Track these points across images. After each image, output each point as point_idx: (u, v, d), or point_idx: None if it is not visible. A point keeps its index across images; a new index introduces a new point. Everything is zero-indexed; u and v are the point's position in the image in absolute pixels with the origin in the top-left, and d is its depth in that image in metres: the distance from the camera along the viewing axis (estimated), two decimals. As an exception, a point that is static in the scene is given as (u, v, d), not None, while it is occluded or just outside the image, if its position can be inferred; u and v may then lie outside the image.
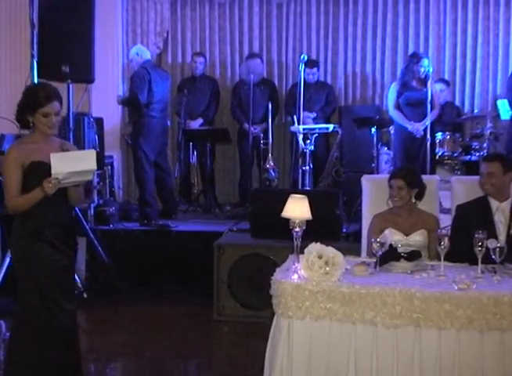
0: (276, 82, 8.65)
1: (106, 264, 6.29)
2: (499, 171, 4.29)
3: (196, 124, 8.18)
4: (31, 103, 3.59)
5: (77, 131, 6.54)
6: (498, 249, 3.52)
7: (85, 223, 6.39)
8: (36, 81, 6.01)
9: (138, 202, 7.39)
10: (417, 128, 6.84)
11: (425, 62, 6.89)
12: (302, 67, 7.23)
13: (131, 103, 7.33)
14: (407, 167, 4.63)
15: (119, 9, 8.67)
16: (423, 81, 6.85)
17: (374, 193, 4.79)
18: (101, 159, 7.20)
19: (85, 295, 6.01)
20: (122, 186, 8.53)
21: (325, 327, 3.36)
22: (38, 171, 3.53)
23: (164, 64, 8.79)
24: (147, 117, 7.10)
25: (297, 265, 3.46)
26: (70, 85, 6.26)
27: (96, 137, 6.92)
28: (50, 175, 3.46)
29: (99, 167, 7.02)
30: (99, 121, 7.34)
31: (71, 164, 3.48)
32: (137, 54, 7.35)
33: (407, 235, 4.31)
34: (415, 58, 6.98)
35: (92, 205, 6.87)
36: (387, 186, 4.48)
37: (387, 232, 4.29)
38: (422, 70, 6.86)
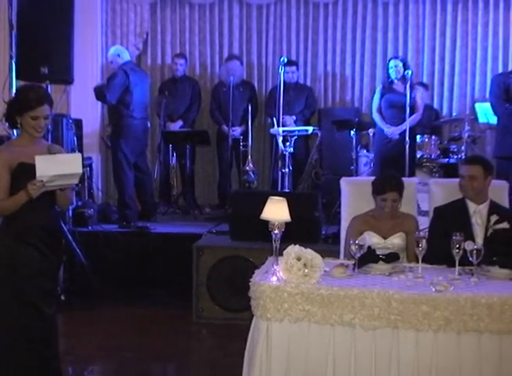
0: (256, 84, 8.66)
1: (84, 266, 6.25)
2: (481, 175, 4.31)
3: (176, 126, 8.16)
4: (21, 105, 3.56)
5: (56, 132, 6.49)
6: (475, 251, 3.55)
7: (63, 225, 6.34)
8: (14, 82, 5.97)
9: (117, 204, 7.37)
10: (392, 131, 6.90)
11: (391, 63, 6.98)
12: (282, 69, 7.25)
13: (96, 96, 7.29)
14: (395, 176, 4.50)
15: (98, 10, 8.62)
16: (405, 84, 6.90)
17: (353, 196, 4.81)
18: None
19: (63, 297, 5.96)
20: (101, 188, 8.49)
21: (303, 329, 3.36)
22: (25, 174, 3.48)
23: (143, 66, 8.77)
24: (127, 119, 7.08)
25: (275, 267, 3.46)
26: (49, 86, 6.21)
27: (75, 138, 6.89)
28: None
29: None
30: (78, 123, 7.31)
31: (56, 167, 3.44)
32: (117, 55, 7.31)
33: (386, 238, 4.33)
34: (388, 61, 7.12)
35: (71, 207, 6.82)
36: (365, 189, 4.49)
37: (365, 235, 4.31)
38: (391, 71, 6.94)
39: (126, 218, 7.05)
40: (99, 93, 7.16)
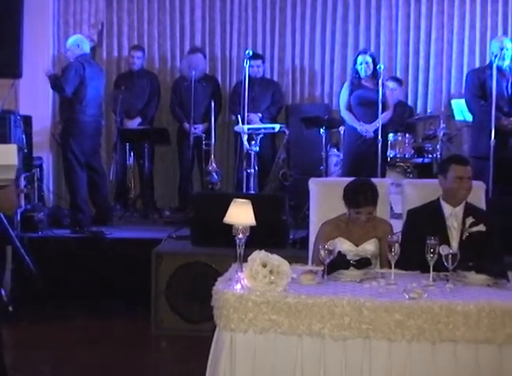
0: (219, 79, 8.65)
1: (33, 274, 6.17)
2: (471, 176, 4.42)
3: (133, 123, 8.13)
4: None
5: (3, 130, 6.43)
6: (450, 256, 3.59)
7: (11, 230, 6.26)
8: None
9: (70, 207, 7.30)
10: (366, 129, 6.95)
11: (359, 59, 7.04)
12: (247, 63, 7.26)
13: (54, 86, 7.22)
14: (370, 186, 4.40)
15: (50, -3, 8.55)
16: (375, 80, 6.96)
17: (323, 198, 4.82)
18: (29, 160, 7.10)
19: (11, 309, 5.87)
20: (52, 190, 8.41)
21: (269, 340, 3.36)
22: None
23: (98, 59, 8.68)
24: (79, 115, 7.03)
25: (240, 274, 3.46)
26: (-5, 80, 6.15)
27: (24, 136, 6.82)
28: None
29: (27, 169, 6.97)
30: (27, 120, 7.23)
31: None
32: (77, 45, 7.25)
33: (358, 245, 4.34)
34: (355, 56, 7.17)
35: (19, 210, 6.75)
36: (336, 190, 4.50)
37: (336, 241, 4.30)
38: (359, 68, 7.00)
39: (79, 222, 6.99)
40: (56, 83, 7.09)
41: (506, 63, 6.82)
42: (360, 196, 4.31)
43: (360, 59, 7.06)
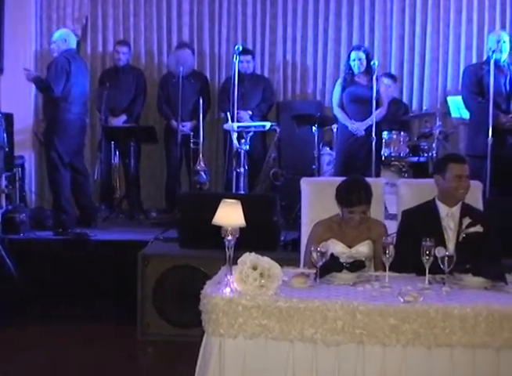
0: (208, 75, 8.65)
1: (15, 278, 6.16)
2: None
3: (118, 121, 8.12)
4: None
5: (-18, 128, 6.41)
6: (446, 258, 3.59)
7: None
8: None
9: (53, 208, 7.28)
10: (357, 127, 6.96)
11: (353, 55, 7.05)
12: (236, 59, 7.25)
13: (41, 88, 7.21)
14: (363, 185, 4.41)
15: (32, -9, 8.53)
16: (369, 76, 6.97)
17: (315, 198, 4.82)
18: (10, 160, 7.08)
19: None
20: (35, 190, 8.39)
21: (260, 346, 3.36)
22: None
23: (82, 54, 8.64)
24: (64, 113, 7.01)
25: (229, 277, 3.46)
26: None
27: (5, 135, 6.81)
28: None
29: (7, 168, 6.95)
30: (9, 117, 7.21)
31: None
32: (64, 40, 7.21)
33: (351, 246, 4.35)
34: (349, 52, 7.19)
35: (0, 211, 6.73)
36: (328, 190, 4.51)
37: (329, 243, 4.31)
38: (352, 64, 7.01)
39: (62, 223, 6.97)
40: (44, 85, 7.07)
41: (504, 56, 6.83)
42: (353, 195, 4.32)
43: (353, 55, 7.07)
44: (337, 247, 4.29)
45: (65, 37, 7.27)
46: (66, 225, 6.96)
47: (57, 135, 7.03)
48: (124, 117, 8.15)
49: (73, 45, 7.31)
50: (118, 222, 7.76)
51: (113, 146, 8.11)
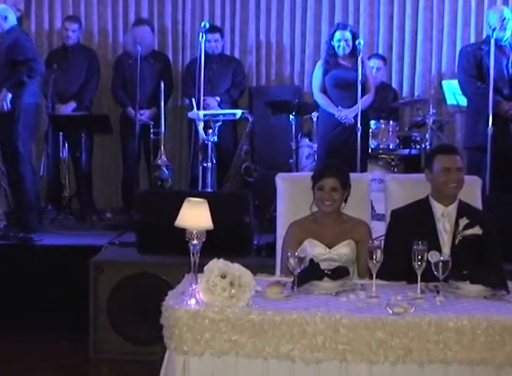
0: (170, 56, 8.67)
1: None
2: (463, 167, 4.45)
3: (67, 108, 8.09)
4: None
5: None
6: (441, 263, 3.61)
7: None
8: None
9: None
10: (345, 114, 6.98)
11: (337, 35, 7.06)
12: (203, 38, 7.25)
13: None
14: (336, 163, 4.68)
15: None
16: (354, 58, 6.99)
17: (292, 196, 4.82)
18: None
19: None
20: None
21: (230, 365, 3.37)
22: None
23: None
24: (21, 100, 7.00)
25: (194, 287, 3.46)
26: None
27: None
28: None
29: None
30: None
31: None
32: (5, 18, 7.12)
33: (331, 247, 4.38)
34: (332, 30, 7.18)
35: None
36: (308, 187, 4.53)
37: (306, 243, 4.34)
38: (337, 44, 7.03)
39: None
40: (21, 81, 7.04)
41: (507, 35, 6.86)
42: (322, 168, 4.58)
43: (338, 35, 7.06)
44: (315, 248, 4.33)
45: (5, 14, 7.20)
46: (7, 228, 6.92)
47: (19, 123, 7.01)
48: (73, 105, 8.12)
49: (15, 21, 7.26)
50: (67, 224, 7.70)
51: (61, 137, 8.06)
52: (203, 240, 3.53)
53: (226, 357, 3.36)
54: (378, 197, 5.22)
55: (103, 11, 8.82)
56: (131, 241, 6.24)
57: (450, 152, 4.47)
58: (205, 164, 7.22)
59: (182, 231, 3.56)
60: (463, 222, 4.29)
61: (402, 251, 3.84)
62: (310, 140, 7.78)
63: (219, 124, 7.29)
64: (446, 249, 4.24)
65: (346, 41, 7.05)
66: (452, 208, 4.40)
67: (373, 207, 5.11)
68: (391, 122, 7.54)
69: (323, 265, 3.98)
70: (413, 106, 8.38)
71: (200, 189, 7.20)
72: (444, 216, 4.40)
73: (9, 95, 6.90)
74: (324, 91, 7.15)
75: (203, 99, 7.34)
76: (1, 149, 7.29)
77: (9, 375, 5.33)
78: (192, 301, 3.43)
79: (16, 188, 7.30)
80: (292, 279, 3.75)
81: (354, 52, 7.02)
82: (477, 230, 4.26)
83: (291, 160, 7.34)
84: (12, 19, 7.22)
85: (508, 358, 3.30)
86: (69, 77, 8.11)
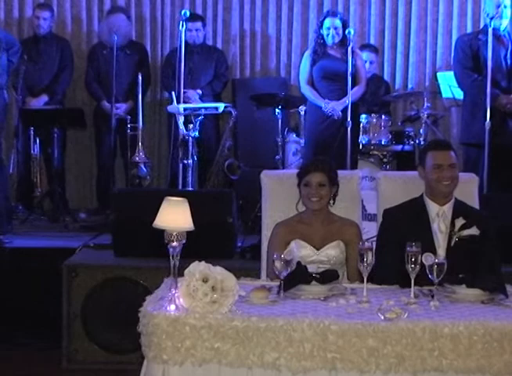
0: (148, 46, 8.68)
1: None
2: (457, 163, 4.45)
3: (38, 102, 8.09)
4: None
5: None
6: (436, 266, 3.61)
7: None
8: None
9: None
10: (333, 107, 6.99)
11: (327, 23, 7.06)
12: (183, 27, 7.24)
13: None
14: (323, 158, 4.73)
15: None
16: (344, 48, 6.99)
17: (278, 195, 4.82)
18: None
19: None
20: None
21: (212, 374, 3.35)
22: None
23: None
24: None
25: (174, 291, 3.45)
26: None
27: None
28: None
29: None
30: None
31: None
32: None
33: (319, 248, 4.39)
34: (321, 18, 7.19)
35: None
36: (294, 185, 4.53)
37: (293, 245, 4.35)
38: (326, 32, 7.04)
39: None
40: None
41: (504, 23, 6.87)
42: (309, 163, 4.63)
43: (328, 22, 7.08)
44: (302, 250, 4.34)
45: None
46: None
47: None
48: (45, 98, 8.12)
49: None
50: (39, 225, 7.70)
51: (32, 132, 8.04)
52: (184, 241, 3.51)
53: (208, 366, 3.35)
54: (369, 196, 5.24)
55: (76, -2, 8.82)
56: (106, 243, 6.24)
57: (442, 148, 4.48)
58: (185, 161, 7.21)
59: (161, 232, 3.55)
60: (460, 222, 4.30)
61: (394, 253, 3.85)
62: (297, 135, 7.78)
63: (200, 118, 7.28)
64: (441, 251, 4.25)
65: (336, 29, 7.05)
66: (448, 208, 4.41)
67: (363, 206, 5.13)
68: (383, 116, 7.56)
69: (311, 268, 3.99)
70: (407, 100, 8.39)
71: (180, 187, 7.19)
72: (439, 216, 4.40)
73: None
74: (311, 83, 7.15)
75: (184, 92, 7.33)
76: None
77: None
78: (172, 306, 3.42)
79: None
80: (278, 283, 3.75)
81: (344, 42, 7.02)
82: (474, 231, 4.27)
83: (277, 157, 7.35)
84: None
85: (506, 366, 3.31)
86: (40, 68, 8.11)
